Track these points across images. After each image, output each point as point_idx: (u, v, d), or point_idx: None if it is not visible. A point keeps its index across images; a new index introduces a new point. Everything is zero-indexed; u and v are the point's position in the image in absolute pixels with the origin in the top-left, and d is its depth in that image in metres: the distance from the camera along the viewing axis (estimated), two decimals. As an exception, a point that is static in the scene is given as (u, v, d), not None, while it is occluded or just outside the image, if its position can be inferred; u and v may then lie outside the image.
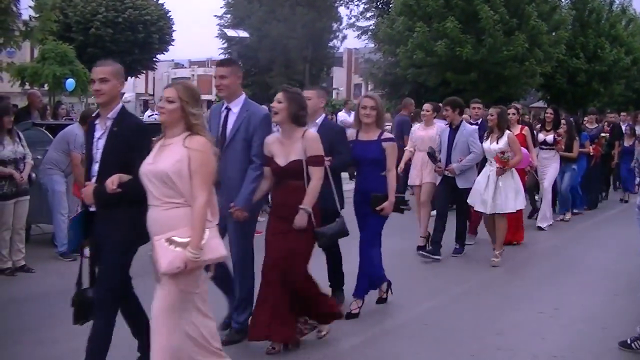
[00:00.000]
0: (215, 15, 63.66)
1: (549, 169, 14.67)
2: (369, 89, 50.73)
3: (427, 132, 12.29)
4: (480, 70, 32.19)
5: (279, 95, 6.90)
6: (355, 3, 55.00)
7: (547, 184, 14.60)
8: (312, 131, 7.06)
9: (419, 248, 11.83)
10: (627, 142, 19.55)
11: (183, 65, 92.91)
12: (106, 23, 47.12)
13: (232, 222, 7.06)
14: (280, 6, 55.91)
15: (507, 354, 7.22)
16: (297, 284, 6.89)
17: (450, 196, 11.55)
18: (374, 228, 8.37)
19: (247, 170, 7.03)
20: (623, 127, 20.37)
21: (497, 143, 11.09)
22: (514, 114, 13.11)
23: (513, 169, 11.21)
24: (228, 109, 7.28)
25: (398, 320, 8.27)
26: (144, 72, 57.30)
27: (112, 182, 5.55)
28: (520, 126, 13.36)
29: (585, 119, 19.23)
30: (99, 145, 5.91)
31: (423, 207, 12.04)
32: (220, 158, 6.39)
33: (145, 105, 30.06)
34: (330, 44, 62.47)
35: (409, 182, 12.78)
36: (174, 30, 52.57)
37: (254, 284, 7.34)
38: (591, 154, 17.15)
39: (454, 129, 11.36)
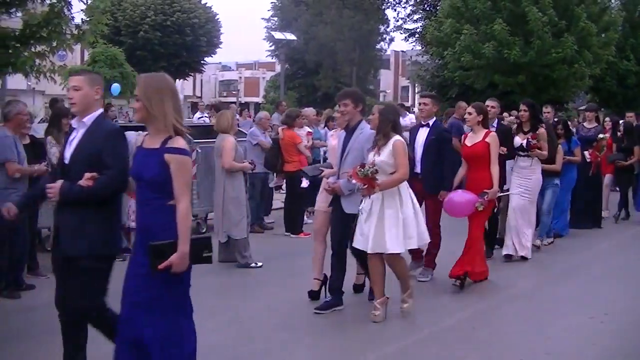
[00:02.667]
0: (262, 18, 64.44)
1: (530, 181, 11.61)
2: (416, 91, 50.66)
3: (337, 141, 9.08)
4: (529, 72, 31.92)
5: None
6: (403, 5, 54.79)
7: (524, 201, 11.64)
8: None
9: (356, 287, 9.38)
10: None
11: (230, 67, 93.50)
12: (155, 26, 47.62)
13: None
14: (328, 9, 56.05)
15: (556, 359, 7.17)
16: None
17: (344, 226, 8.54)
18: (167, 305, 5.29)
19: None
20: None
21: (379, 154, 8.01)
22: (470, 113, 10.16)
23: (405, 191, 8.13)
24: None
25: (446, 323, 8.24)
26: (192, 74, 57.76)
27: None
28: (485, 131, 10.01)
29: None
30: None
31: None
32: None
33: (194, 108, 30.32)
34: (378, 46, 62.53)
35: (316, 206, 9.41)
36: (221, 33, 53.04)
37: None
38: (588, 160, 14.58)
39: (349, 132, 8.47)
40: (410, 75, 52.57)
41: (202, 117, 25.04)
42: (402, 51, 72.88)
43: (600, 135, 15.13)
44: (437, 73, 39.83)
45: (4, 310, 8.29)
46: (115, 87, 31.32)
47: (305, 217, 14.03)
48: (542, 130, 11.64)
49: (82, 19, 14.17)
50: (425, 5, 50.29)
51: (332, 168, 8.86)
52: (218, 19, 52.91)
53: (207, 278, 9.57)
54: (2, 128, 9.17)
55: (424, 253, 10.22)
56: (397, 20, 56.10)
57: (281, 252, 11.94)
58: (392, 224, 7.93)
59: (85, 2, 14.01)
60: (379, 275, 8.17)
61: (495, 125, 11.51)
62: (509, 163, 11.78)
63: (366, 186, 7.82)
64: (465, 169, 10.13)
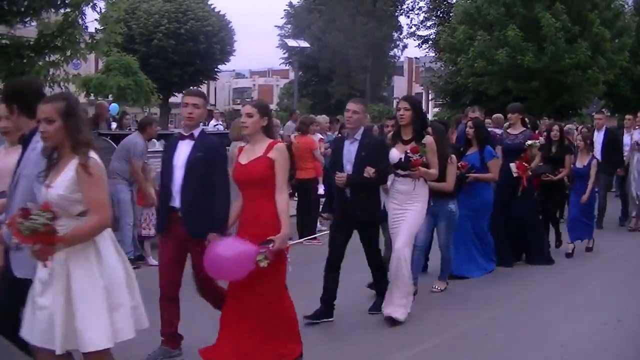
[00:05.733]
0: (275, 26, 64.37)
1: (407, 213, 8.35)
2: (430, 98, 50.68)
3: (10, 159, 5.64)
4: (542, 78, 31.91)
5: None
6: (416, 12, 54.92)
7: (400, 243, 8.26)
8: None
9: None
10: (579, 162, 12.85)
11: (244, 75, 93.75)
12: (168, 34, 47.72)
13: None
14: (341, 16, 56.14)
15: (569, 365, 7.16)
16: None
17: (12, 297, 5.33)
18: None
19: None
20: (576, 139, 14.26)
21: (53, 185, 4.80)
22: (249, 115, 6.69)
23: (106, 242, 4.98)
24: None
25: (458, 330, 8.22)
26: (206, 82, 57.84)
27: None
28: (268, 142, 6.70)
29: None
30: None
31: None
32: None
33: (210, 115, 30.39)
34: (391, 53, 62.60)
35: None
36: (235, 41, 53.02)
37: None
38: (515, 174, 11.43)
39: (24, 145, 5.42)
40: (424, 82, 52.54)
41: (217, 124, 25.31)
42: (416, 58, 72.83)
43: (529, 142, 11.84)
44: (450, 79, 39.89)
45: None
46: (114, 107, 31.55)
47: (318, 224, 14.02)
48: (429, 140, 8.44)
49: (96, 28, 14.30)
50: (439, 12, 50.32)
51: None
52: (231, 26, 52.94)
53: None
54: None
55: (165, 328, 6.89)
56: (411, 27, 56.24)
57: (294, 260, 11.85)
58: (89, 300, 4.75)
59: (99, 11, 14.11)
60: None
61: (360, 137, 8.26)
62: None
63: (39, 247, 4.51)
64: (240, 201, 6.87)
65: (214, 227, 6.59)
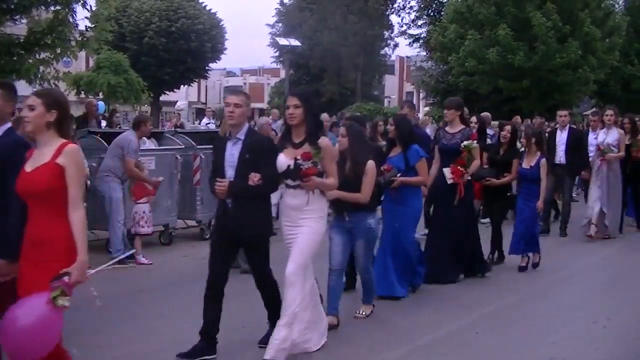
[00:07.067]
0: (267, 24, 64.22)
1: (299, 234, 6.89)
2: (421, 97, 50.70)
3: None
4: (533, 77, 31.98)
5: None
6: (407, 11, 55.03)
7: (290, 268, 6.83)
8: None
9: None
10: (525, 163, 11.24)
11: (235, 73, 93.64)
12: (159, 32, 47.60)
13: None
14: (332, 14, 56.11)
15: (559, 364, 7.16)
16: None
17: None
18: None
19: None
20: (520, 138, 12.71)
21: None
22: (31, 107, 4.98)
23: None
24: None
25: (449, 329, 8.22)
26: (197, 80, 57.78)
27: None
28: (60, 143, 5.01)
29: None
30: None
31: None
32: None
33: (201, 114, 29.88)
34: (382, 52, 62.59)
35: None
36: (226, 39, 52.93)
37: None
38: (450, 180, 10.01)
39: None
40: (415, 81, 52.62)
41: (209, 122, 25.39)
42: (407, 57, 72.91)
43: (465, 143, 10.06)
44: (441, 78, 39.95)
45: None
46: (101, 106, 31.60)
47: None
48: (325, 142, 6.89)
49: (86, 26, 14.25)
50: (430, 11, 50.40)
51: None
52: (223, 25, 52.82)
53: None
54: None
55: None
56: (402, 26, 56.34)
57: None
58: None
59: (90, 9, 14.07)
60: None
61: (243, 136, 6.86)
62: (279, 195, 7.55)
63: None
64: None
65: (3, 253, 5.14)
